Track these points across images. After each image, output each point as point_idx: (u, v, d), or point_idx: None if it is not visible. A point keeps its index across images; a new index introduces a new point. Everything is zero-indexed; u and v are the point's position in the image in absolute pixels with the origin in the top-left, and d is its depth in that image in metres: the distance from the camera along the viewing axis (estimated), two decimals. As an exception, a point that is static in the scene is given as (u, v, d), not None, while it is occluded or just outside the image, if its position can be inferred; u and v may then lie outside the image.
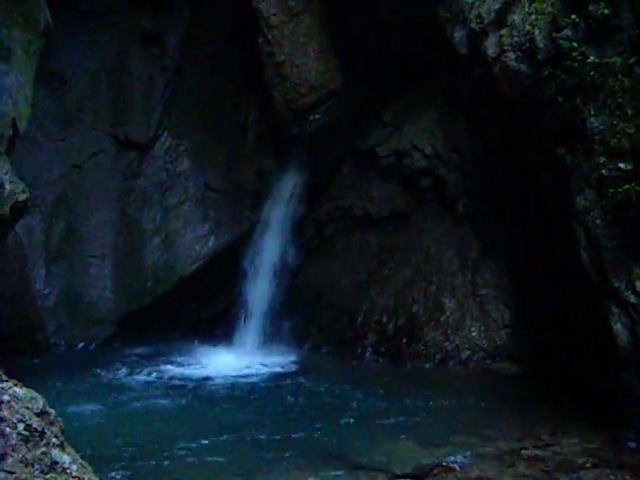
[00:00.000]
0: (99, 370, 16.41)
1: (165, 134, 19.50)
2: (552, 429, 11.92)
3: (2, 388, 6.47)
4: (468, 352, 16.91)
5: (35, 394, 6.77)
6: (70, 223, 18.95)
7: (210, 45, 19.67)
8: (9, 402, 6.33)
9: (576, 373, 13.59)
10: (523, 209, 16.03)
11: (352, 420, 12.86)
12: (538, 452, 10.95)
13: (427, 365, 16.90)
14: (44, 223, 18.74)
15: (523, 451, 11.01)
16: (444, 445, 11.45)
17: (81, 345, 18.62)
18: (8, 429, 6.02)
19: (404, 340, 17.38)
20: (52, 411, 6.79)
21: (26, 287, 18.36)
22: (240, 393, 14.82)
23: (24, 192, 12.62)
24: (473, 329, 17.09)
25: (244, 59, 18.95)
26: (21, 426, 6.15)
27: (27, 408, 6.43)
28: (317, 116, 17.82)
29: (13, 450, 5.89)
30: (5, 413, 6.16)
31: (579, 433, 11.61)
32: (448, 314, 17.31)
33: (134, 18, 19.34)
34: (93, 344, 18.74)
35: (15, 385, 6.70)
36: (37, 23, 13.74)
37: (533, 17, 13.12)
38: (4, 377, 6.79)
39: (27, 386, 6.89)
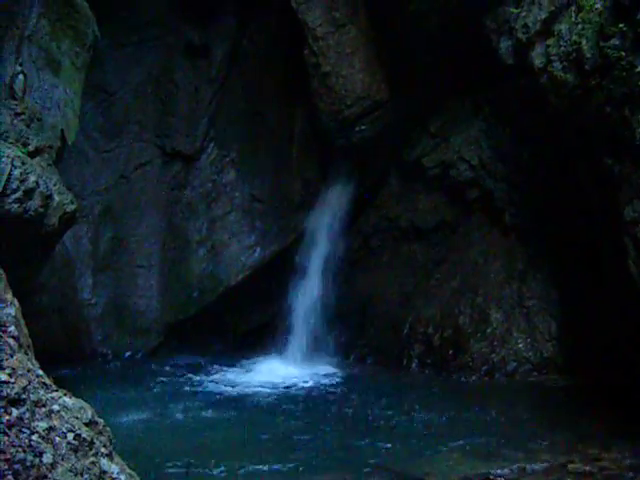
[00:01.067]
0: (146, 379, 16.52)
1: (211, 145, 19.60)
2: (600, 443, 11.74)
3: (52, 398, 6.51)
4: (514, 364, 16.77)
5: (84, 404, 6.81)
6: (117, 233, 19.09)
7: (256, 56, 19.74)
8: (59, 412, 6.37)
9: (624, 386, 13.41)
10: (570, 220, 15.89)
11: (398, 431, 12.82)
12: (586, 467, 10.78)
13: (473, 377, 16.79)
14: (91, 233, 18.88)
15: (570, 465, 10.84)
16: (490, 458, 11.35)
17: (128, 354, 18.73)
18: (58, 438, 6.05)
19: (450, 352, 17.30)
20: (101, 421, 6.82)
21: (73, 297, 18.51)
22: (286, 404, 14.80)
23: (72, 203, 12.72)
24: (519, 341, 16.95)
25: (290, 70, 18.98)
26: (70, 436, 6.18)
27: (76, 418, 6.46)
28: (363, 127, 17.80)
29: (62, 459, 5.91)
30: (55, 422, 6.19)
31: (628, 447, 11.40)
32: (494, 326, 17.20)
33: (180, 30, 19.46)
34: (139, 353, 18.84)
35: (64, 395, 6.74)
36: (85, 36, 13.87)
37: (580, 26, 12.96)
38: (53, 387, 6.84)
39: (75, 395, 6.94)
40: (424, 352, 17.64)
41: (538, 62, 14.17)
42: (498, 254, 17.85)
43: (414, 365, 17.62)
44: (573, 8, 13.40)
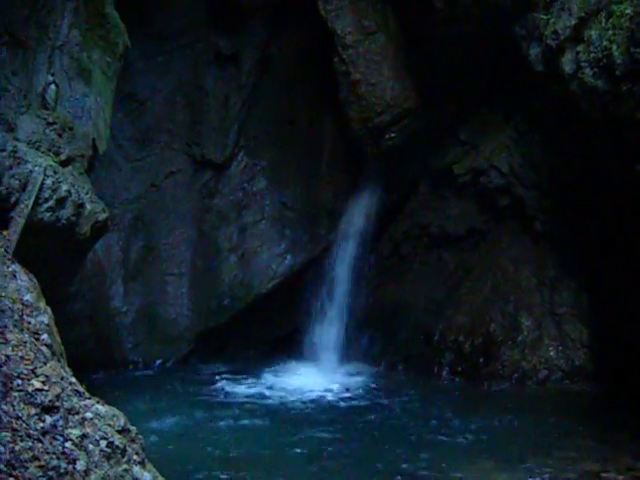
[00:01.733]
0: (177, 387, 16.59)
1: (241, 153, 19.64)
2: (632, 452, 11.68)
3: (85, 405, 6.56)
4: (545, 372, 16.71)
5: (117, 411, 6.86)
6: (148, 241, 19.15)
7: (286, 64, 19.76)
8: (92, 419, 6.42)
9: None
10: (602, 226, 15.81)
11: (429, 440, 12.79)
12: (619, 476, 10.73)
13: (504, 385, 16.74)
14: (122, 241, 18.95)
15: (603, 474, 10.80)
16: (522, 466, 11.32)
17: (158, 362, 18.78)
18: (91, 446, 6.10)
19: (481, 359, 17.24)
20: (133, 428, 6.87)
21: (104, 305, 18.59)
22: (316, 413, 14.80)
23: (104, 212, 12.78)
24: (551, 348, 16.88)
25: (319, 78, 19.00)
26: (103, 443, 6.23)
27: (109, 425, 6.52)
28: (393, 134, 17.79)
29: (96, 467, 5.96)
30: (88, 430, 6.24)
31: (662, 456, 11.37)
32: (525, 333, 17.13)
33: (210, 38, 19.50)
34: (170, 361, 18.89)
35: (97, 402, 6.80)
36: (116, 46, 13.95)
37: (610, 32, 12.90)
38: (86, 394, 6.90)
39: (107, 403, 6.99)
40: (455, 360, 17.60)
41: (568, 68, 14.11)
42: (529, 261, 17.78)
43: (445, 373, 17.58)
44: (603, 14, 13.34)
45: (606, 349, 16.15)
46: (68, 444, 5.96)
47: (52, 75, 12.54)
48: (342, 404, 15.42)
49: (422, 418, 14.06)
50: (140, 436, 6.87)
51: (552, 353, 16.83)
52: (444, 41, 16.73)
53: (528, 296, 17.48)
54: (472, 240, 18.80)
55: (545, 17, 15.06)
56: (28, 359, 6.76)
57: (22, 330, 7.39)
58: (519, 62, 16.06)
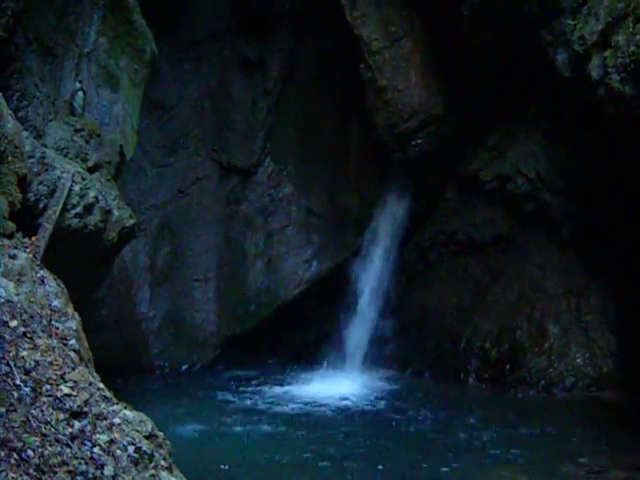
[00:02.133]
0: (203, 393, 16.63)
1: (268, 159, 19.68)
2: (663, 460, 11.61)
3: (113, 411, 6.59)
4: (573, 379, 16.63)
5: (144, 417, 6.88)
6: (174, 247, 19.23)
7: (312, 70, 19.78)
8: (120, 425, 6.45)
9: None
10: (629, 233, 15.72)
11: (456, 447, 12.75)
12: (647, 484, 10.68)
13: (530, 392, 16.67)
14: (149, 247, 19.03)
15: (633, 483, 10.74)
16: (550, 476, 11.29)
17: (184, 367, 18.83)
18: (119, 451, 6.12)
19: (507, 366, 17.18)
20: (160, 434, 6.89)
21: (131, 310, 18.68)
22: (342, 419, 14.79)
23: (131, 218, 12.85)
24: (578, 356, 16.80)
25: (346, 84, 19.00)
26: (131, 448, 6.25)
27: (137, 431, 6.54)
28: (419, 141, 17.76)
29: (123, 472, 5.98)
30: (116, 435, 6.27)
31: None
32: (552, 340, 17.05)
33: (236, 45, 19.57)
34: (196, 367, 18.94)
35: (125, 408, 6.83)
36: (143, 53, 14.02)
37: (638, 37, 12.83)
38: (114, 400, 6.93)
39: (135, 408, 7.02)
40: (481, 366, 17.54)
41: (595, 74, 14.05)
42: (556, 268, 17.70)
43: (471, 380, 17.53)
44: (631, 19, 13.29)
45: (634, 356, 16.03)
46: (96, 449, 5.98)
47: (80, 82, 12.65)
48: (368, 411, 15.38)
49: (448, 425, 14.02)
50: (167, 441, 6.90)
51: (579, 360, 16.74)
52: (471, 47, 16.70)
53: (555, 303, 17.40)
54: (499, 247, 18.72)
55: (572, 22, 15.01)
56: (57, 364, 6.80)
57: (50, 335, 7.44)
58: (546, 68, 16.02)
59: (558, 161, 17.41)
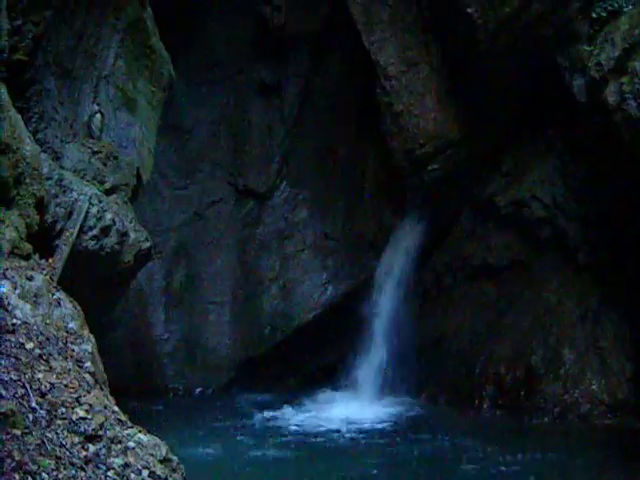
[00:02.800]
0: (217, 416, 16.59)
1: (284, 183, 19.74)
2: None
3: (128, 434, 6.59)
4: (588, 406, 16.51)
5: (158, 441, 6.87)
6: (190, 270, 19.27)
7: (328, 94, 19.85)
8: (134, 448, 6.44)
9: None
10: (646, 259, 15.69)
11: (470, 474, 12.66)
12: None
13: (546, 419, 16.57)
14: (164, 269, 19.09)
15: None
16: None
17: (199, 390, 18.85)
18: (133, 475, 6.12)
19: (522, 392, 17.07)
20: (175, 458, 6.87)
21: (146, 332, 18.72)
22: (356, 444, 14.72)
23: (147, 240, 12.89)
24: (593, 382, 16.68)
25: (362, 109, 19.06)
26: (145, 472, 6.25)
27: (151, 455, 6.53)
28: (435, 166, 17.76)
29: (138, 496, 5.98)
30: (130, 459, 6.26)
31: None
32: (567, 366, 16.95)
33: (253, 68, 19.68)
34: (211, 389, 18.96)
35: (140, 431, 6.81)
36: (161, 76, 14.11)
37: (654, 64, 12.89)
38: (129, 423, 6.92)
39: (147, 430, 7.00)
40: (496, 392, 17.43)
41: (612, 100, 14.06)
42: (571, 293, 17.62)
43: (486, 405, 17.42)
44: (647, 45, 13.33)
45: (650, 383, 15.97)
46: (110, 473, 5.98)
47: (98, 105, 12.71)
48: (382, 436, 15.30)
49: (464, 452, 13.89)
50: (181, 466, 6.88)
51: (595, 387, 16.63)
52: (487, 72, 16.72)
53: (570, 328, 17.31)
54: (514, 272, 18.65)
55: (588, 49, 15.05)
56: (72, 387, 6.81)
57: (66, 358, 7.44)
58: (562, 93, 16.03)
59: (574, 186, 17.37)
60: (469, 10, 15.71)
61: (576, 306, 17.53)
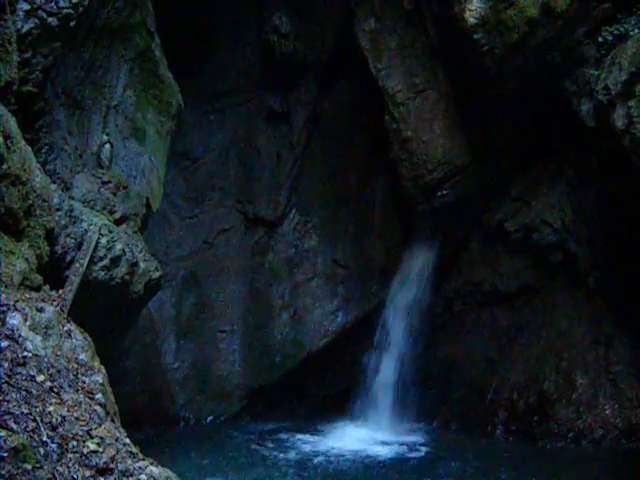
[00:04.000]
0: (228, 445, 16.53)
1: (293, 211, 19.73)
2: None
3: (139, 467, 6.55)
4: (601, 431, 16.42)
5: (170, 473, 6.84)
6: (200, 298, 19.24)
7: (337, 121, 19.89)
8: (146, 481, 6.41)
9: None
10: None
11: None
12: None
13: (559, 444, 16.49)
14: (175, 298, 19.05)
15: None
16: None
17: (210, 419, 18.77)
18: (144, 508, 6.09)
19: (535, 418, 17.00)
20: (186, 490, 6.85)
21: (157, 360, 18.66)
22: (369, 473, 14.63)
23: (157, 270, 12.90)
24: (606, 407, 16.60)
25: (370, 135, 19.09)
26: (157, 505, 6.22)
27: (163, 487, 6.51)
28: (445, 192, 17.76)
29: (149, 530, 5.94)
30: (142, 493, 6.24)
31: None
32: (580, 391, 16.87)
33: (261, 96, 19.71)
34: (221, 418, 18.88)
35: (151, 464, 6.78)
36: (169, 105, 14.16)
37: (662, 88, 12.89)
38: (140, 455, 6.89)
39: (158, 460, 6.97)
40: (509, 418, 17.37)
41: (620, 124, 14.07)
42: (583, 318, 17.56)
43: (498, 432, 17.36)
44: (655, 69, 13.35)
45: (663, 408, 15.87)
46: (122, 506, 5.95)
47: (107, 135, 12.76)
48: (395, 465, 15.22)
49: (476, 478, 13.82)
50: (193, 498, 6.86)
51: (608, 412, 16.54)
52: (495, 98, 16.74)
53: (583, 353, 17.25)
54: (525, 297, 18.62)
55: (596, 72, 15.07)
56: (83, 420, 6.79)
57: (77, 390, 7.43)
58: (570, 117, 16.04)
59: (584, 210, 17.34)
60: (476, 36, 15.74)
61: (588, 331, 17.48)
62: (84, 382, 7.81)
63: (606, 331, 17.23)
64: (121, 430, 7.34)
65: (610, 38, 15.16)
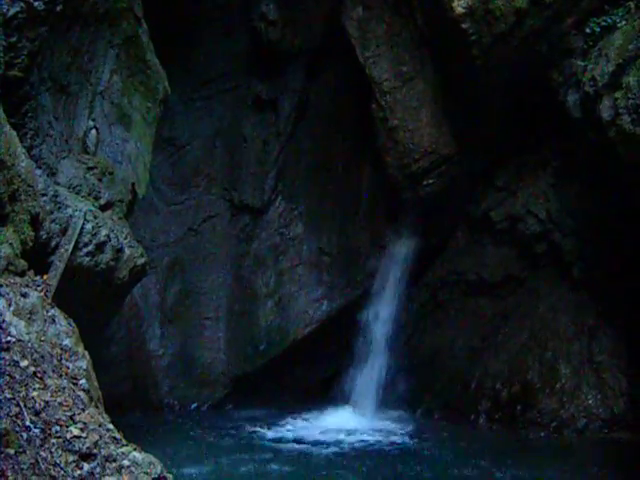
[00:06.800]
0: (212, 432, 16.51)
1: (279, 198, 19.71)
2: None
3: (122, 453, 6.55)
4: (584, 421, 16.50)
5: (153, 459, 6.84)
6: (185, 285, 19.23)
7: (324, 110, 19.87)
8: (129, 467, 6.41)
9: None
10: (641, 274, 15.69)
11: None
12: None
13: (542, 433, 16.55)
14: (160, 285, 19.03)
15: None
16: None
17: (194, 406, 18.79)
18: (128, 494, 6.09)
19: (518, 407, 17.06)
20: (169, 476, 6.84)
21: (141, 347, 18.65)
22: (352, 459, 14.64)
23: (142, 256, 12.87)
24: (589, 397, 16.68)
25: (357, 124, 19.07)
26: (140, 491, 6.22)
27: (146, 473, 6.50)
28: (430, 181, 17.77)
29: (132, 515, 5.95)
30: (125, 478, 6.24)
31: None
32: (563, 381, 16.94)
33: (249, 84, 19.66)
34: (206, 405, 18.91)
35: (134, 449, 6.78)
36: (156, 92, 14.11)
37: (649, 79, 12.92)
38: (123, 441, 6.89)
39: (141, 446, 6.96)
40: (492, 407, 17.43)
41: (606, 115, 14.09)
42: (567, 309, 17.62)
43: (482, 420, 17.42)
44: (641, 60, 13.36)
45: (646, 398, 15.95)
46: (105, 491, 5.95)
47: (93, 120, 12.71)
48: (378, 451, 15.25)
49: (460, 468, 13.84)
50: (176, 483, 6.85)
51: (591, 401, 16.62)
52: (482, 88, 16.76)
53: (566, 344, 17.31)
54: (509, 287, 18.68)
55: (583, 63, 15.09)
56: (67, 405, 6.78)
57: (61, 375, 7.42)
58: (556, 108, 16.06)
59: (569, 201, 17.40)
60: (464, 26, 15.75)
61: (572, 321, 17.54)
62: (68, 368, 7.80)
63: (590, 321, 17.31)
64: (104, 416, 7.34)
65: (598, 29, 15.19)
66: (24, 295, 8.49)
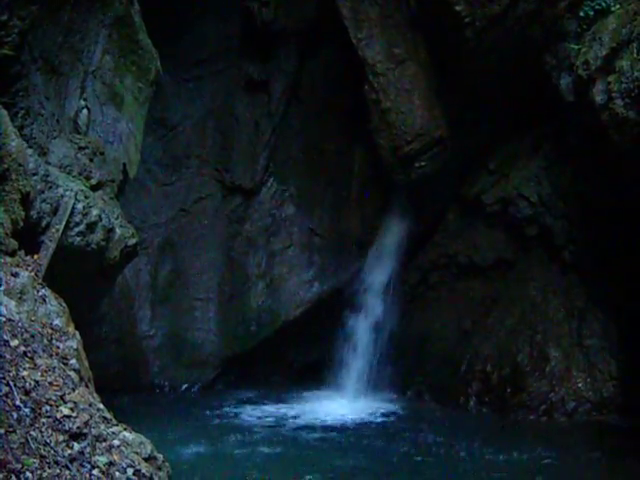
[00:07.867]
0: (202, 413, 16.55)
1: (271, 179, 19.68)
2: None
3: (112, 432, 6.56)
4: (574, 404, 16.56)
5: (144, 439, 6.84)
6: (176, 266, 19.21)
7: (315, 91, 19.80)
8: (119, 447, 6.41)
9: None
10: (631, 257, 15.70)
11: (455, 472, 12.66)
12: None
13: (531, 416, 16.61)
14: (151, 265, 19.02)
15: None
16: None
17: (184, 387, 18.80)
18: (118, 473, 6.08)
19: (508, 390, 17.10)
20: (160, 456, 6.85)
21: (132, 328, 18.65)
22: (342, 440, 14.70)
23: (133, 237, 12.86)
24: (579, 380, 16.73)
25: (350, 106, 19.01)
26: (130, 471, 6.21)
27: (136, 453, 6.50)
28: (423, 163, 17.72)
29: (122, 495, 5.95)
30: (115, 458, 6.23)
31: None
32: (553, 364, 16.98)
33: (241, 65, 19.58)
34: (196, 386, 18.91)
35: (125, 429, 6.78)
36: (148, 72, 14.06)
37: (642, 63, 12.91)
38: (114, 421, 6.89)
39: (132, 427, 6.97)
40: (482, 390, 17.47)
41: (599, 99, 14.10)
42: (557, 292, 17.66)
43: (472, 403, 17.45)
44: (635, 44, 13.37)
45: (635, 381, 15.99)
46: (95, 471, 5.94)
47: (84, 100, 12.66)
48: (367, 433, 15.29)
49: (450, 450, 13.91)
50: (167, 464, 6.86)
51: (580, 385, 16.68)
52: (474, 70, 16.74)
53: (556, 327, 17.34)
54: (500, 270, 18.70)
55: (576, 47, 15.09)
56: (57, 385, 6.77)
57: (51, 355, 7.40)
58: (549, 92, 16.06)
59: (560, 185, 17.41)
60: (457, 8, 15.73)
61: (562, 304, 17.58)
62: (58, 347, 7.78)
63: (579, 305, 17.35)
64: (95, 395, 7.33)
65: (591, 13, 15.19)
66: (14, 275, 8.48)
